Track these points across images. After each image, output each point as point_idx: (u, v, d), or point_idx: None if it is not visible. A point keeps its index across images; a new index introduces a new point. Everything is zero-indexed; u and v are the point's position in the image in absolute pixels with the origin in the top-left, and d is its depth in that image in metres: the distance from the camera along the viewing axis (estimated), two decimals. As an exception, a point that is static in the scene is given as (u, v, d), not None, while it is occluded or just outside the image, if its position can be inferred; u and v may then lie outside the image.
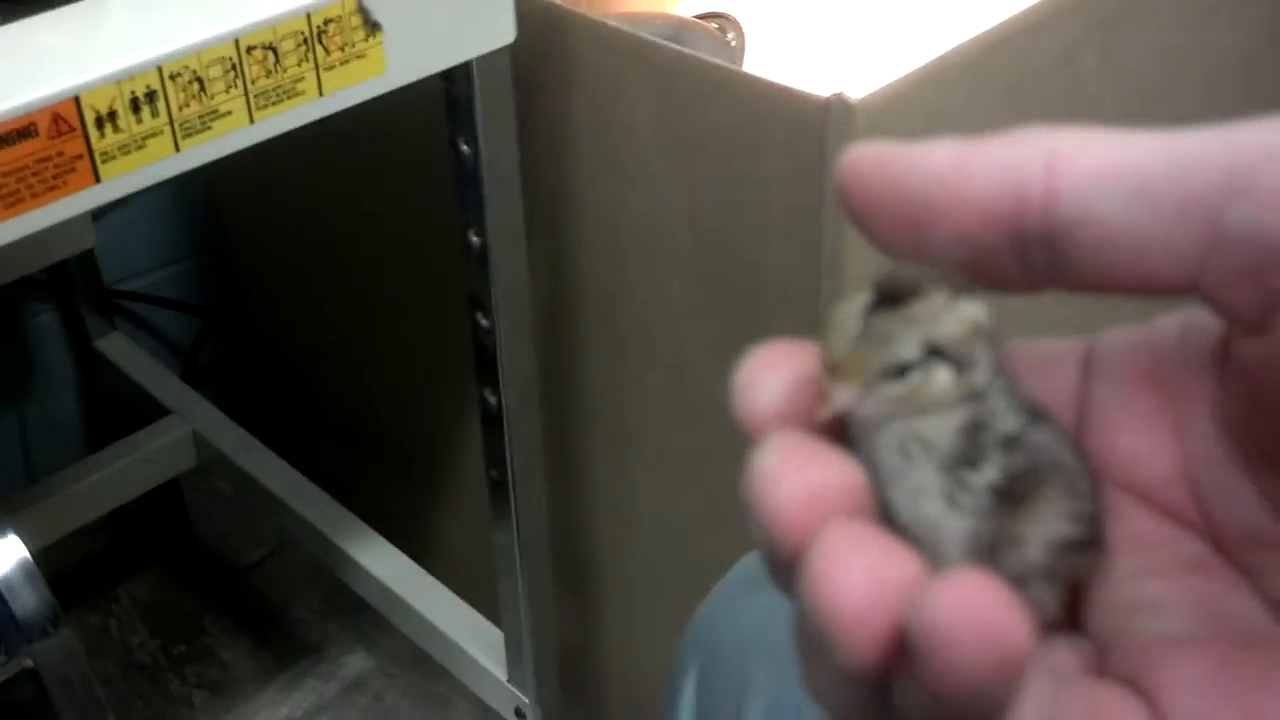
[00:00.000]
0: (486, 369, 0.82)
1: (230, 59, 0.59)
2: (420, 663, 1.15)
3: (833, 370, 0.20)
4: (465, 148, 0.72)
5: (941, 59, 0.69)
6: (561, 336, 0.90)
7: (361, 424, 1.23)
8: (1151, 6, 0.82)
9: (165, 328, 1.37)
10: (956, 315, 0.20)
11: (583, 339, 0.89)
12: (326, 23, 0.61)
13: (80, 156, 0.56)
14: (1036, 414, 0.21)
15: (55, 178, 0.56)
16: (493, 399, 0.83)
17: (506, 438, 0.84)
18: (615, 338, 0.87)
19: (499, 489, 0.87)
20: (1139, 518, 0.22)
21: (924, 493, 0.21)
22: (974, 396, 0.21)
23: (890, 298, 0.20)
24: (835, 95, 0.64)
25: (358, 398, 1.22)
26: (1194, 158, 0.19)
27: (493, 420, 0.84)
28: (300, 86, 0.61)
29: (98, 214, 1.22)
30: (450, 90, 0.71)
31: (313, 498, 1.12)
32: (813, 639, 0.19)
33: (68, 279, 1.23)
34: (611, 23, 0.74)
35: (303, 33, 0.60)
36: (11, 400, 1.29)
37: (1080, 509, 0.21)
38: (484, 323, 0.79)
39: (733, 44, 1.15)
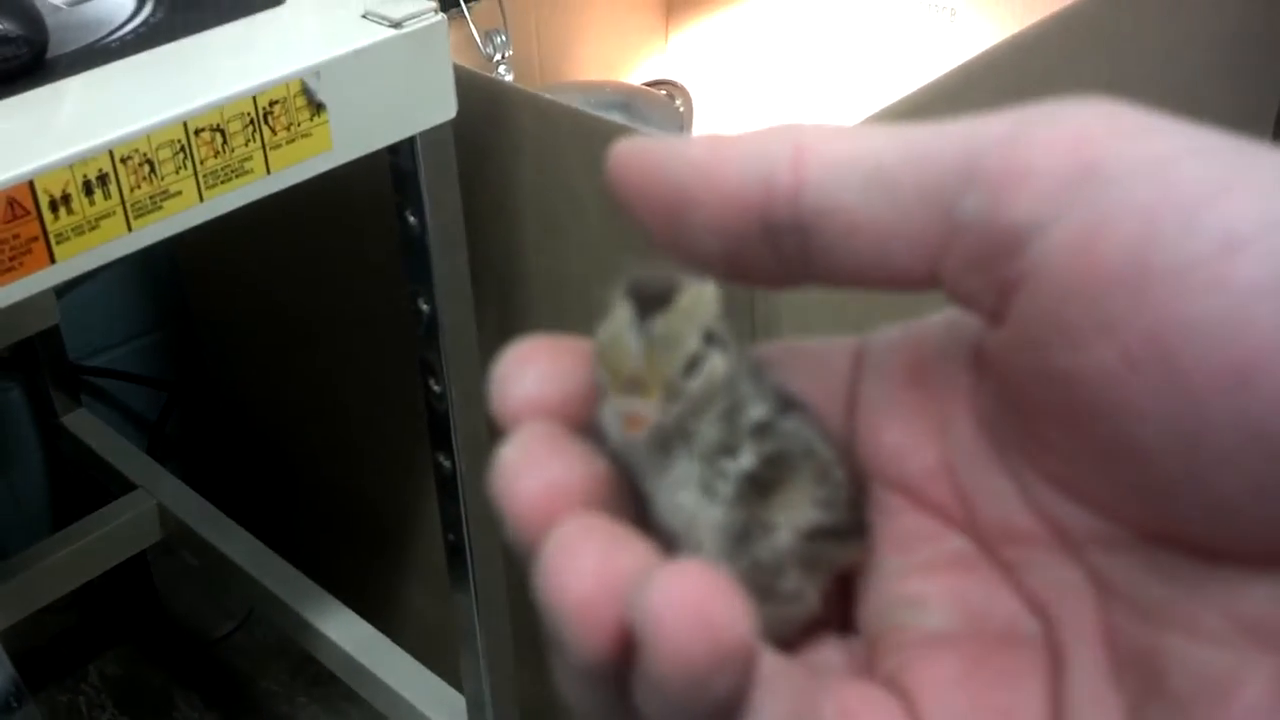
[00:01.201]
0: (440, 434, 0.84)
1: (179, 141, 0.61)
2: (388, 731, 1.15)
3: (631, 386, 0.20)
4: (412, 218, 0.75)
5: (884, 115, 0.72)
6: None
7: (326, 493, 1.24)
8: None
9: (131, 402, 1.38)
10: (715, 299, 0.20)
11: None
12: (272, 104, 0.63)
13: (35, 239, 0.58)
14: (787, 402, 0.21)
15: (12, 259, 0.58)
16: (447, 463, 0.85)
17: (462, 501, 0.86)
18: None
19: (456, 553, 0.89)
20: (904, 514, 0.22)
21: (681, 484, 0.20)
22: (731, 379, 0.20)
23: (650, 301, 0.20)
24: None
25: (321, 467, 1.23)
26: (931, 148, 0.19)
27: (448, 484, 0.86)
28: (248, 165, 0.64)
29: (61, 291, 1.24)
30: (395, 163, 0.74)
31: (279, 570, 1.13)
32: (552, 636, 0.19)
33: (33, 356, 1.24)
34: (549, 96, 0.77)
35: (249, 114, 0.63)
36: (-22, 479, 1.30)
37: (832, 496, 0.21)
38: (436, 388, 0.81)
39: (681, 110, 1.18)
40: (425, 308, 0.78)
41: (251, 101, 0.63)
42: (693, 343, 0.20)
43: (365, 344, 1.06)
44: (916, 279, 0.20)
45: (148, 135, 0.60)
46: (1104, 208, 0.17)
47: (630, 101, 1.15)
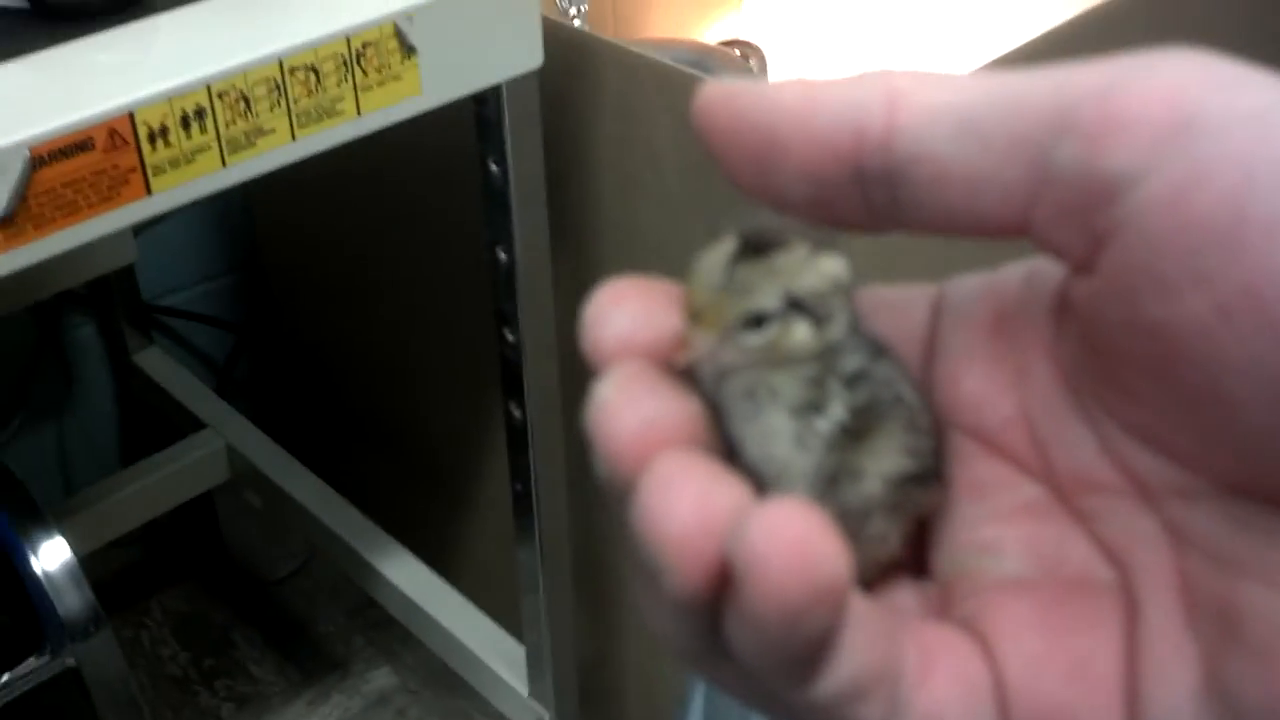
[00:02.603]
0: (512, 383, 0.84)
1: (274, 79, 0.62)
2: (444, 678, 1.17)
3: (694, 317, 0.21)
4: (494, 167, 0.75)
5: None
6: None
7: (391, 439, 1.26)
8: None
9: (201, 343, 1.40)
10: (818, 269, 0.21)
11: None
12: (365, 46, 0.64)
13: (134, 170, 0.59)
14: (879, 350, 0.22)
15: (110, 189, 0.59)
16: (517, 413, 0.85)
17: (530, 451, 0.86)
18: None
19: (522, 502, 0.90)
20: (981, 462, 0.22)
21: (772, 434, 0.21)
22: (829, 350, 0.21)
23: (754, 249, 0.21)
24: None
25: (387, 413, 1.25)
26: (1025, 97, 0.19)
27: (517, 434, 0.87)
28: (340, 106, 0.64)
29: (137, 230, 1.26)
30: (481, 112, 0.74)
31: (341, 512, 1.14)
32: (646, 569, 0.19)
33: (108, 293, 1.26)
34: (634, 48, 0.77)
35: (342, 54, 0.63)
36: (50, 412, 1.32)
37: (919, 444, 0.22)
38: (510, 338, 0.82)
39: (754, 71, 1.18)
40: (504, 257, 0.79)
41: (345, 42, 0.63)
42: (765, 300, 0.20)
43: (434, 292, 1.07)
44: (1006, 227, 0.20)
45: (244, 72, 0.61)
46: (1200, 160, 0.17)
47: (703, 60, 1.15)
